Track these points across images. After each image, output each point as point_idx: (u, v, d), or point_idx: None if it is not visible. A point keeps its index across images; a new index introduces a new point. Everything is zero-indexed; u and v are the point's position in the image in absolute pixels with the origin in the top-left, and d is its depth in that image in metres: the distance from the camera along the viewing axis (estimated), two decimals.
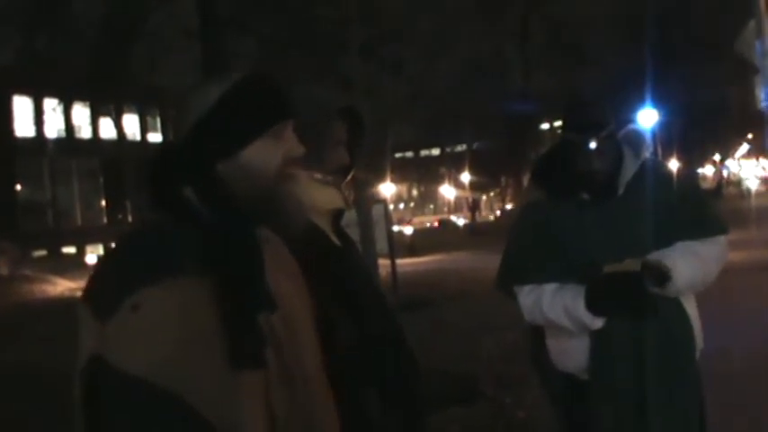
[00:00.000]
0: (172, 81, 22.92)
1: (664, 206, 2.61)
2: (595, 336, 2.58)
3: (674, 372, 2.58)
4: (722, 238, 2.74)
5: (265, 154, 1.47)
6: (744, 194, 49.05)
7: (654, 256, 2.52)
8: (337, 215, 2.08)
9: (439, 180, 58.82)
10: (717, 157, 65.75)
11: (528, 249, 2.75)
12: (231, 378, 1.32)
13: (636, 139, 2.72)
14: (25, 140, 35.74)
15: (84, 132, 39.52)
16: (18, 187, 35.65)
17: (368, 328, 1.94)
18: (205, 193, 1.44)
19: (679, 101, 34.37)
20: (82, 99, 36.24)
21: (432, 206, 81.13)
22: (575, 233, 2.63)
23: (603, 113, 2.60)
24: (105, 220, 39.23)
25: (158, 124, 41.79)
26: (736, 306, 8.38)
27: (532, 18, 35.54)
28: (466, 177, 48.68)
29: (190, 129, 1.47)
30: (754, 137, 65.59)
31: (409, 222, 46.55)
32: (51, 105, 35.60)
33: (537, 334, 2.85)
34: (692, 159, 45.06)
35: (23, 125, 36.17)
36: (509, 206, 47.47)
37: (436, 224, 56.86)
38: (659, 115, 29.52)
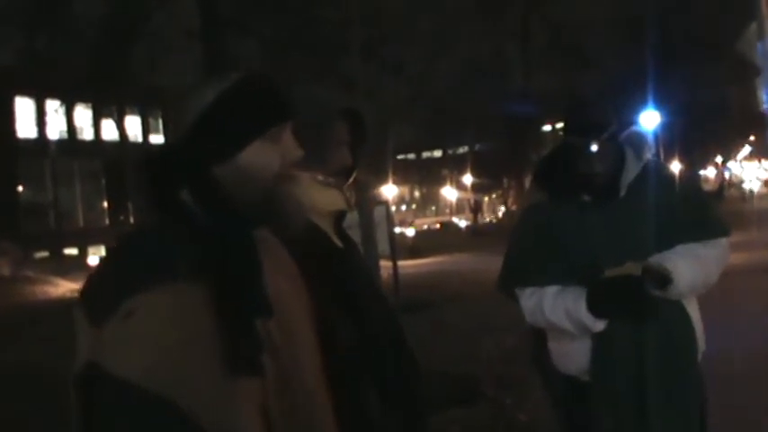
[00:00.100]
0: (174, 82, 22.93)
1: (665, 208, 2.61)
2: (597, 338, 2.57)
3: (675, 374, 2.58)
4: (723, 240, 2.74)
5: (263, 156, 1.46)
6: (745, 196, 49.01)
7: (655, 258, 2.52)
8: (339, 217, 2.07)
9: (441, 182, 58.78)
10: (719, 159, 65.70)
11: (529, 251, 2.75)
12: (227, 384, 1.31)
13: (638, 140, 2.71)
14: (27, 142, 35.79)
15: (87, 134, 39.56)
16: (20, 188, 35.68)
17: (369, 330, 1.94)
18: (202, 196, 1.42)
19: (680, 102, 34.34)
20: (84, 100, 36.29)
21: (433, 208, 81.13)
22: (576, 235, 2.63)
23: (605, 115, 2.60)
24: (107, 221, 39.25)
25: (160, 126, 41.79)
26: (737, 308, 8.37)
27: (533, 19, 35.54)
28: (468, 179, 48.67)
29: (187, 130, 1.45)
30: (756, 138, 65.62)
31: (411, 224, 46.57)
32: (53, 107, 35.65)
33: (538, 336, 2.85)
34: (694, 161, 45.04)
35: (25, 126, 36.22)
36: (501, 209, 47.49)
37: (438, 226, 56.86)
38: (660, 116, 29.51)
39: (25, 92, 34.96)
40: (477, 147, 47.39)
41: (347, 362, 1.77)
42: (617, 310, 2.52)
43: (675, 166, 29.67)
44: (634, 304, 2.50)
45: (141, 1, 18.69)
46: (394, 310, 2.20)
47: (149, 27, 19.65)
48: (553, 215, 2.69)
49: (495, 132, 40.11)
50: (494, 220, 53.41)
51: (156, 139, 40.95)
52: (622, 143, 2.68)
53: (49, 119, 36.07)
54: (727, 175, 71.96)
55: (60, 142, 36.57)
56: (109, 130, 38.40)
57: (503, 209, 49.31)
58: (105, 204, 40.21)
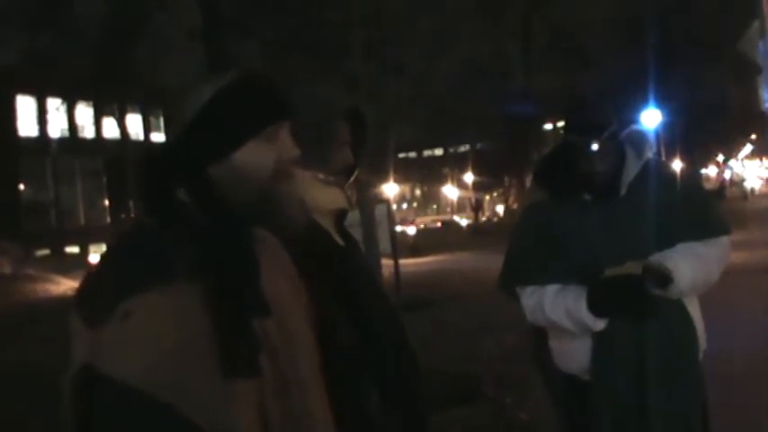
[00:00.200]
0: (175, 81, 22.95)
1: (666, 207, 2.61)
2: (597, 337, 2.58)
3: (675, 373, 2.58)
4: (724, 239, 2.74)
5: (258, 155, 1.44)
6: (747, 195, 48.98)
7: (655, 257, 2.53)
8: (341, 215, 2.08)
9: (442, 180, 58.79)
10: (720, 158, 65.68)
11: (530, 250, 2.75)
12: (225, 385, 1.30)
13: (639, 139, 2.71)
14: (28, 140, 35.83)
15: (88, 132, 39.61)
16: (21, 187, 35.72)
17: (370, 329, 1.94)
18: (198, 195, 1.41)
19: (681, 101, 34.35)
20: (85, 99, 36.32)
21: (435, 206, 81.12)
22: (577, 234, 2.63)
23: (605, 115, 2.60)
24: (108, 219, 39.28)
25: (161, 124, 41.83)
26: (737, 307, 8.37)
27: (534, 19, 35.53)
28: (469, 178, 48.69)
29: (183, 128, 1.44)
30: (757, 137, 65.60)
31: (413, 222, 46.57)
32: (54, 105, 35.67)
33: (539, 335, 2.85)
34: (695, 160, 45.02)
35: (27, 125, 36.26)
36: (499, 208, 47.41)
37: (439, 224, 56.86)
38: (662, 116, 29.52)
39: (26, 90, 35.00)
40: (478, 145, 47.39)
41: (347, 362, 1.77)
42: (617, 310, 2.52)
43: (677, 165, 29.63)
44: (634, 303, 2.50)
45: (142, 1, 18.68)
46: (395, 309, 2.20)
47: (150, 27, 19.65)
48: (554, 214, 2.69)
49: (496, 132, 40.10)
50: (495, 219, 53.39)
51: (158, 137, 40.98)
52: (623, 142, 2.68)
53: (50, 117, 36.10)
54: (728, 173, 71.95)
55: (61, 140, 36.61)
56: (110, 129, 38.44)
57: (500, 207, 49.23)
58: (106, 202, 40.25)
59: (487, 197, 62.46)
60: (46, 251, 33.04)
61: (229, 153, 1.43)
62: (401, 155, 48.58)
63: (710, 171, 66.42)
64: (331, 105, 2.10)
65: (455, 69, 28.05)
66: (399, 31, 16.21)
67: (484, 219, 55.01)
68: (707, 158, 58.01)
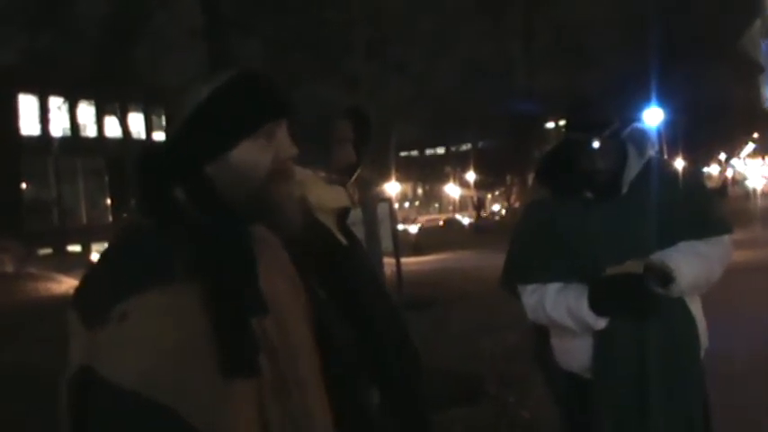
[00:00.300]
0: (177, 80, 22.93)
1: (668, 205, 2.61)
2: (598, 336, 2.58)
3: (676, 372, 2.58)
4: (726, 238, 2.73)
5: (256, 154, 1.43)
6: (749, 194, 48.89)
7: (657, 256, 2.52)
8: (343, 213, 2.09)
9: (444, 179, 58.69)
10: (722, 157, 65.58)
11: (532, 248, 2.75)
12: (224, 385, 1.29)
13: (640, 137, 2.71)
14: (30, 139, 35.82)
15: (90, 131, 39.60)
16: (23, 186, 35.73)
17: (371, 327, 1.95)
18: (195, 194, 1.41)
19: (683, 99, 34.31)
20: (87, 98, 36.31)
21: (437, 205, 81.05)
22: (579, 232, 2.63)
23: (607, 113, 2.61)
24: (110, 218, 39.27)
25: (163, 122, 41.81)
26: (739, 306, 8.35)
27: (536, 19, 35.51)
28: (471, 176, 48.63)
29: (181, 126, 1.44)
30: (759, 136, 65.46)
31: (415, 221, 46.52)
32: (56, 104, 35.66)
33: (541, 333, 2.85)
34: (698, 158, 44.95)
35: (29, 124, 36.25)
36: (496, 206, 47.24)
37: (441, 223, 56.82)
38: (664, 114, 29.49)
39: (28, 89, 34.99)
40: (480, 144, 47.34)
41: (346, 361, 1.77)
42: (618, 308, 2.52)
43: (679, 164, 29.59)
44: (635, 302, 2.50)
45: (143, 0, 18.67)
46: (397, 308, 2.20)
47: (151, 26, 19.64)
48: (556, 212, 2.70)
49: (498, 130, 40.07)
50: (496, 217, 53.34)
51: (159, 136, 40.94)
52: (625, 140, 2.68)
53: (52, 116, 36.08)
54: (730, 172, 71.85)
55: (63, 139, 36.59)
56: (112, 128, 38.43)
57: (497, 206, 49.13)
58: (108, 201, 40.26)
59: (489, 196, 62.40)
60: (48, 250, 33.02)
61: (226, 151, 1.42)
62: (403, 153, 48.52)
63: (713, 170, 66.31)
64: (332, 104, 2.10)
65: (456, 68, 28.02)
66: (400, 30, 16.20)
67: (484, 215, 54.95)
68: (709, 157, 57.88)
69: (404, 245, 19.91)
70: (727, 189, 53.37)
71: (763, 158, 74.44)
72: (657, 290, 2.50)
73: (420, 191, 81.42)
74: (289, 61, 15.26)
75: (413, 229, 37.01)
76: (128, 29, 19.09)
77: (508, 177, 45.11)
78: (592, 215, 2.63)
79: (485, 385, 6.22)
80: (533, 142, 36.59)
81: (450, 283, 15.59)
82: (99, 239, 35.05)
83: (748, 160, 77.78)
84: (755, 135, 65.57)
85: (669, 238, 2.59)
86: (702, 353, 2.68)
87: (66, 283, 20.99)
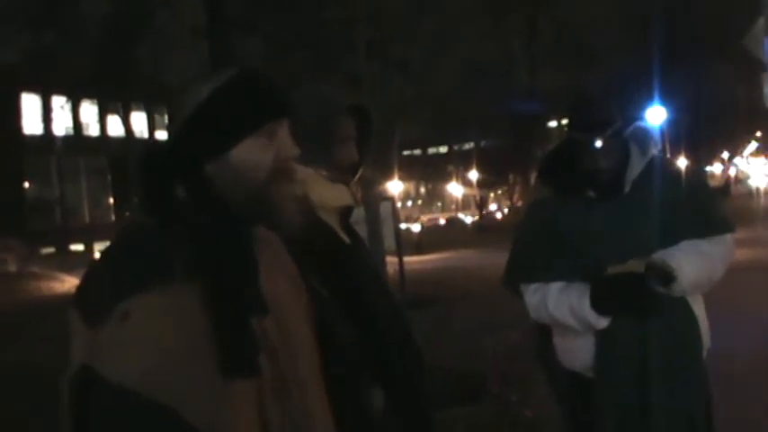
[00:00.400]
0: (179, 79, 22.94)
1: (670, 204, 2.60)
2: (601, 335, 2.58)
3: (678, 371, 2.58)
4: (729, 237, 2.73)
5: (256, 153, 1.43)
6: (752, 193, 48.82)
7: (659, 255, 2.52)
8: (346, 212, 2.08)
9: (446, 178, 58.61)
10: (725, 155, 65.48)
11: (535, 247, 2.75)
12: (224, 385, 1.29)
13: (643, 136, 2.71)
14: (33, 138, 35.85)
15: (92, 130, 39.61)
16: (26, 185, 35.77)
17: (374, 326, 1.95)
18: (196, 194, 1.40)
19: (686, 98, 34.28)
20: (90, 97, 36.34)
21: (439, 204, 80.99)
22: (581, 231, 2.63)
23: (609, 112, 2.60)
24: (113, 217, 39.29)
25: (166, 121, 41.68)
26: (741, 305, 8.34)
27: (538, 18, 35.51)
28: (473, 175, 48.59)
29: (181, 126, 1.44)
30: (762, 135, 65.37)
31: (418, 219, 46.50)
32: (59, 103, 35.66)
33: (543, 332, 2.85)
34: (700, 157, 44.90)
35: (31, 123, 36.27)
36: (494, 207, 47.13)
37: (443, 221, 56.80)
38: (666, 113, 29.46)
39: (31, 88, 35.00)
40: (482, 143, 47.32)
41: (349, 360, 1.77)
42: (620, 307, 2.52)
43: (681, 162, 29.57)
44: (637, 301, 2.50)
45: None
46: (400, 306, 2.20)
47: (153, 25, 19.65)
48: (558, 211, 2.69)
49: (501, 129, 40.06)
50: (498, 216, 53.32)
51: (162, 135, 40.77)
52: (627, 139, 2.67)
53: (54, 115, 36.09)
54: (733, 171, 71.74)
55: (66, 138, 36.61)
56: (115, 127, 38.43)
57: (495, 206, 49.10)
58: (111, 200, 40.29)
59: (492, 195, 62.36)
60: (51, 249, 33.06)
61: (226, 151, 1.42)
62: (406, 152, 48.48)
63: (715, 168, 66.21)
64: (334, 102, 2.10)
65: (458, 67, 28.01)
66: (402, 29, 16.20)
67: (485, 212, 54.92)
68: (712, 156, 57.83)
69: (406, 244, 19.91)
70: (730, 188, 53.28)
71: (766, 157, 74.31)
72: (659, 289, 2.50)
73: (423, 190, 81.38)
74: (290, 60, 15.28)
75: (415, 227, 36.94)
76: (130, 28, 19.09)
77: (511, 176, 45.12)
78: (594, 214, 2.63)
79: (487, 384, 6.22)
80: (536, 141, 36.61)
81: (452, 281, 15.60)
82: (102, 239, 35.04)
83: (751, 159, 77.64)
84: (758, 134, 65.48)
85: (672, 238, 2.58)
86: (705, 353, 2.68)
87: (69, 283, 21.01)
